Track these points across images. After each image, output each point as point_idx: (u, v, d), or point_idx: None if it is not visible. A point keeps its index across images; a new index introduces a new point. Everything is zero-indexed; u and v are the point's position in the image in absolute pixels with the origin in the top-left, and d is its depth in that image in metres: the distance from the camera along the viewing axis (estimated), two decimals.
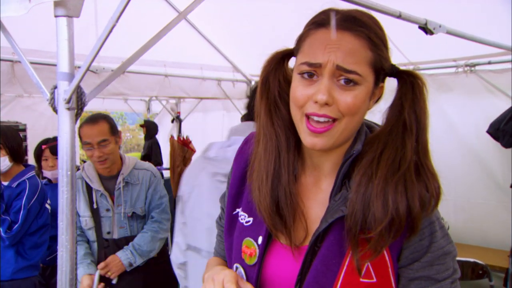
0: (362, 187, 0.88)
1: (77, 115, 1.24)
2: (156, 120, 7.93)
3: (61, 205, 1.22)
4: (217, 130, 6.29)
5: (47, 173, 3.25)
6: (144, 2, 3.36)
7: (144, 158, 7.54)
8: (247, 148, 1.09)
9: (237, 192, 1.09)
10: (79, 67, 1.18)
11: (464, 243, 3.74)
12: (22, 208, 2.69)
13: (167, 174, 5.37)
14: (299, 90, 0.90)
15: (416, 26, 2.06)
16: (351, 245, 0.89)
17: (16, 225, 2.65)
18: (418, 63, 3.86)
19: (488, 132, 3.46)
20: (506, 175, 3.59)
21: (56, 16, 1.18)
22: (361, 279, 0.90)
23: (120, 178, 2.57)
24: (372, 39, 0.87)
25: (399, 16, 1.88)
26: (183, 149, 4.54)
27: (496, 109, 3.47)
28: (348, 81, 0.86)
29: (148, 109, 7.73)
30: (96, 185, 2.55)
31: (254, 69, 5.04)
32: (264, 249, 0.99)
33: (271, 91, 0.99)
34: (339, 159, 0.97)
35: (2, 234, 2.64)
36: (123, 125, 22.91)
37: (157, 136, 7.67)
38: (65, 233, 1.22)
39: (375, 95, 0.95)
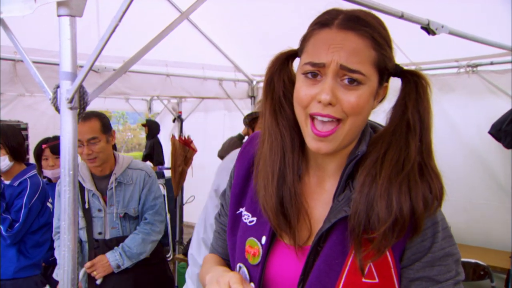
0: (366, 187, 0.88)
1: (80, 115, 1.24)
2: (157, 120, 7.94)
3: (63, 204, 1.22)
4: (219, 130, 6.29)
5: (47, 173, 3.24)
6: (146, 2, 3.36)
7: (146, 157, 7.55)
8: (251, 148, 1.09)
9: (240, 192, 1.09)
10: (81, 67, 1.19)
11: (466, 244, 3.73)
12: (23, 207, 2.69)
13: (168, 173, 5.37)
14: (302, 90, 0.90)
15: (419, 26, 2.06)
16: (354, 245, 0.89)
17: (17, 224, 2.66)
18: (420, 64, 3.85)
19: (490, 133, 3.45)
20: (508, 176, 3.59)
21: (59, 16, 1.19)
22: (363, 280, 0.90)
23: (112, 178, 2.52)
24: (376, 39, 0.87)
25: (402, 17, 1.88)
26: (185, 149, 4.54)
27: (498, 109, 3.46)
28: (352, 81, 0.86)
29: (150, 108, 7.73)
30: (88, 184, 2.50)
31: (255, 69, 5.04)
32: (268, 249, 0.99)
33: (276, 91, 0.99)
34: (343, 160, 0.97)
35: (3, 232, 2.65)
36: (124, 125, 22.91)
37: (158, 136, 7.68)
38: (67, 232, 1.22)
39: (379, 94, 0.94)
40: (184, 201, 5.14)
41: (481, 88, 3.74)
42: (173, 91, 4.50)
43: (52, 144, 3.22)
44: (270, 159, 0.97)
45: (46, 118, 6.01)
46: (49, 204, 2.89)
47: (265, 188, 0.97)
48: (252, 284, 1.00)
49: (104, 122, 2.50)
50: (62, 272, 1.23)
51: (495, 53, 3.32)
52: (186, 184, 4.98)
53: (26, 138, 3.02)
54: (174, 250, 5.17)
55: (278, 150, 0.97)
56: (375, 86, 0.90)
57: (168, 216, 5.28)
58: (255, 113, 2.69)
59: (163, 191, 5.44)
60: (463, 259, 3.01)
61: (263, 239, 1.00)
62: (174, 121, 6.80)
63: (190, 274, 2.04)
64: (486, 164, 3.75)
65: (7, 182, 2.80)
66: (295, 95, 0.92)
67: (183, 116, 6.62)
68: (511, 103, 3.43)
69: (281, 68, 0.99)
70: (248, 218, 1.04)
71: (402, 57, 3.58)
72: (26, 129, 5.09)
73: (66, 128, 1.22)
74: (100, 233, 2.51)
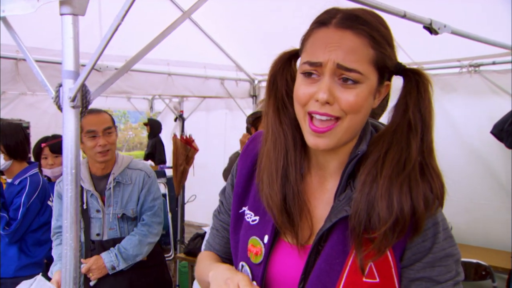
0: (366, 186, 0.88)
1: (82, 113, 1.24)
2: (159, 119, 7.95)
3: (65, 203, 1.23)
4: (220, 129, 6.30)
5: (46, 171, 3.22)
6: (148, 1, 3.36)
7: (148, 156, 7.56)
8: (253, 147, 1.10)
9: (243, 191, 1.09)
10: (83, 66, 1.19)
11: (467, 244, 3.73)
12: (22, 206, 2.68)
13: (170, 172, 5.38)
14: (301, 89, 0.90)
15: (421, 26, 2.06)
16: (354, 244, 0.89)
17: (15, 222, 2.65)
18: (422, 63, 3.85)
19: (492, 132, 3.45)
20: (510, 176, 3.58)
21: (61, 14, 1.19)
22: (364, 279, 0.90)
23: (110, 178, 2.47)
24: (374, 37, 0.87)
25: (404, 16, 1.88)
26: (186, 148, 4.54)
27: (500, 109, 3.46)
28: (350, 80, 0.86)
29: (151, 107, 7.75)
30: (87, 185, 2.45)
31: (257, 68, 5.05)
32: (270, 248, 1.00)
33: (278, 90, 1.00)
34: (344, 159, 0.97)
35: (1, 231, 2.64)
36: (125, 124, 22.95)
37: (160, 135, 7.69)
38: (69, 231, 1.22)
39: (381, 93, 0.94)
40: (185, 200, 5.14)
41: (483, 88, 3.73)
42: (175, 90, 4.51)
43: (52, 143, 3.21)
44: (274, 157, 0.98)
45: (47, 117, 6.03)
46: (49, 203, 2.88)
47: (269, 186, 0.97)
48: (254, 282, 1.00)
49: (112, 117, 2.51)
50: (64, 271, 1.24)
51: (497, 53, 3.31)
52: (188, 183, 4.98)
53: (28, 136, 3.02)
54: (175, 249, 5.18)
55: (281, 148, 0.98)
56: (374, 85, 0.89)
57: (170, 215, 5.28)
58: (259, 112, 2.68)
59: (165, 190, 5.45)
60: (464, 259, 3.02)
61: (266, 238, 1.00)
62: (175, 120, 6.81)
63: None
64: (487, 164, 3.75)
65: (9, 180, 2.81)
66: (294, 94, 0.93)
67: (184, 115, 6.63)
68: None
69: (284, 68, 1.00)
70: (250, 217, 1.05)
71: (404, 56, 3.57)
72: (28, 128, 5.10)
73: (68, 126, 1.22)
74: (98, 234, 2.46)
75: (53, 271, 2.36)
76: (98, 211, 2.45)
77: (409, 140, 0.89)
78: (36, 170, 2.89)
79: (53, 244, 2.53)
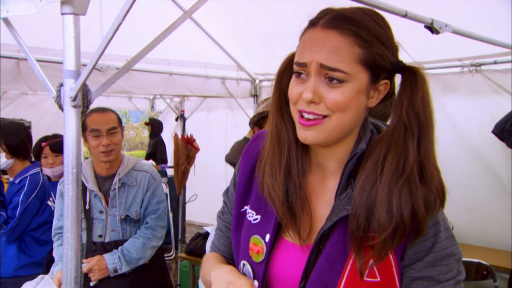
0: (365, 191, 0.88)
1: (83, 113, 1.24)
2: (160, 118, 7.95)
3: (66, 202, 1.23)
4: (221, 129, 6.30)
5: (46, 171, 3.22)
6: (149, 1, 3.36)
7: (149, 156, 7.57)
8: (255, 146, 1.11)
9: (245, 190, 1.10)
10: (84, 65, 1.19)
11: (468, 244, 3.72)
12: (20, 204, 2.68)
13: (171, 172, 5.38)
14: (292, 88, 0.93)
15: (422, 25, 2.06)
16: (354, 249, 0.90)
17: (12, 221, 2.65)
18: (423, 63, 3.84)
19: (494, 132, 3.44)
20: (511, 176, 3.57)
21: (62, 14, 1.19)
22: (365, 278, 0.90)
23: (116, 179, 2.43)
24: (360, 36, 0.87)
25: (405, 15, 1.88)
26: (187, 148, 4.54)
27: (501, 109, 3.45)
28: (334, 79, 0.87)
29: (152, 107, 7.75)
30: (91, 185, 2.42)
31: (258, 68, 5.04)
32: (271, 246, 1.00)
33: (282, 88, 1.02)
34: (344, 157, 0.97)
35: None
36: (127, 123, 22.95)
37: (161, 134, 7.69)
38: (70, 230, 1.22)
39: (380, 92, 0.94)
40: (186, 200, 5.15)
41: (485, 87, 3.72)
42: (176, 89, 4.51)
43: (52, 142, 3.21)
44: (278, 149, 1.00)
45: (49, 117, 6.04)
46: (49, 203, 2.88)
47: (272, 177, 0.99)
48: (255, 281, 1.01)
49: (118, 116, 2.48)
50: (65, 271, 1.24)
51: (498, 52, 3.31)
52: (189, 183, 4.98)
53: (30, 136, 3.03)
54: (176, 249, 5.18)
55: (285, 142, 1.00)
56: (363, 84, 0.89)
57: (171, 214, 5.28)
58: (266, 112, 2.67)
59: (166, 189, 5.46)
60: (465, 259, 3.02)
61: (267, 236, 1.00)
62: (176, 119, 6.81)
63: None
64: (488, 163, 3.75)
65: (11, 179, 2.82)
66: (288, 92, 0.95)
67: (185, 115, 6.63)
68: None
69: (288, 66, 1.02)
70: (252, 216, 1.05)
71: (405, 56, 3.56)
72: (29, 127, 5.11)
73: (69, 126, 1.22)
74: (100, 236, 2.43)
75: (54, 271, 2.32)
76: (101, 212, 2.42)
77: (406, 142, 0.88)
78: (37, 169, 2.89)
79: (54, 245, 2.50)
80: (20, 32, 1.41)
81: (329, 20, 0.89)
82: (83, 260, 2.31)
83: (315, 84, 0.88)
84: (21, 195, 2.71)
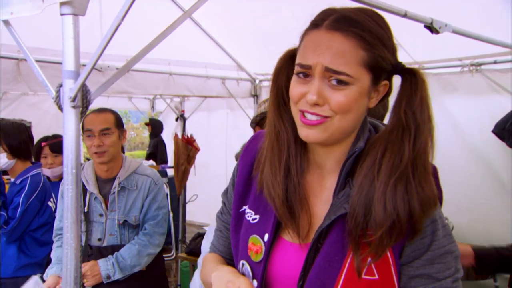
0: (363, 189, 0.89)
1: (82, 113, 1.24)
2: (160, 119, 7.96)
3: (66, 203, 1.23)
4: (221, 129, 6.30)
5: (46, 171, 3.21)
6: (149, 1, 3.36)
7: (150, 156, 7.58)
8: (254, 146, 1.11)
9: (243, 190, 1.10)
10: (84, 65, 1.19)
11: (469, 243, 3.72)
12: (20, 205, 2.68)
13: (171, 172, 5.39)
14: (295, 88, 0.93)
15: (422, 25, 2.06)
16: (352, 247, 0.90)
17: (13, 221, 2.65)
18: (424, 63, 3.84)
19: (494, 132, 3.44)
20: (511, 176, 3.57)
21: (61, 15, 1.19)
22: (363, 276, 0.91)
23: (115, 182, 2.38)
24: (364, 39, 0.87)
25: (405, 15, 1.88)
26: (187, 148, 4.55)
27: (501, 108, 3.45)
28: (339, 82, 0.87)
29: (153, 107, 7.75)
30: (91, 187, 2.38)
31: (258, 68, 5.04)
32: (270, 246, 1.01)
33: (280, 86, 1.02)
34: (342, 157, 0.98)
35: None
36: (127, 123, 22.98)
37: (161, 135, 7.69)
38: (70, 231, 1.22)
39: (379, 92, 0.95)
40: (187, 200, 5.15)
41: (485, 87, 3.72)
42: (176, 90, 4.51)
43: (51, 143, 3.21)
44: (277, 149, 1.00)
45: (49, 117, 6.03)
46: (50, 204, 2.88)
47: (272, 176, 0.99)
48: (254, 281, 1.01)
49: (117, 117, 2.43)
50: (65, 271, 1.24)
51: (499, 52, 3.31)
52: (189, 183, 4.99)
53: (31, 136, 3.03)
54: (176, 249, 5.18)
55: (284, 141, 1.00)
56: (365, 86, 0.90)
57: (171, 214, 5.29)
58: (267, 112, 2.67)
59: (166, 190, 5.46)
60: None
61: (266, 236, 1.01)
62: (177, 120, 6.81)
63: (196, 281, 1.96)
64: (489, 163, 3.74)
65: (12, 180, 2.82)
66: (289, 92, 0.95)
67: (186, 115, 6.63)
68: None
69: (286, 65, 1.02)
70: (251, 215, 1.06)
71: (405, 56, 3.57)
72: (29, 127, 5.10)
73: (69, 126, 1.22)
74: (99, 239, 2.39)
75: (49, 274, 2.28)
76: (101, 215, 2.38)
77: (402, 141, 0.89)
78: (38, 170, 2.89)
79: (54, 246, 2.48)
80: (20, 33, 1.41)
81: (333, 22, 0.89)
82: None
83: (319, 87, 0.88)
84: (22, 196, 2.71)
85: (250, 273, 1.03)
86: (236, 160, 3.41)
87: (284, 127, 1.00)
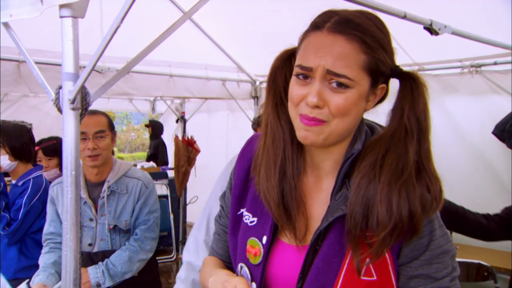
0: (361, 189, 0.89)
1: (82, 115, 1.24)
2: (161, 120, 7.96)
3: (65, 205, 1.23)
4: (222, 130, 6.30)
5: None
6: (149, 2, 3.37)
7: (150, 157, 7.58)
8: (250, 149, 1.11)
9: (241, 193, 1.10)
10: (84, 67, 1.19)
11: (469, 245, 3.71)
12: (23, 206, 2.68)
13: (171, 174, 5.39)
14: (294, 89, 0.93)
15: (421, 26, 2.06)
16: (351, 247, 0.91)
17: (15, 223, 2.65)
18: (423, 64, 3.84)
19: (494, 133, 3.44)
20: (511, 177, 3.57)
21: (61, 17, 1.19)
22: (361, 277, 0.91)
23: (105, 186, 2.31)
24: (366, 42, 0.88)
25: (404, 17, 1.87)
26: (188, 149, 4.56)
27: (502, 110, 3.44)
28: (340, 84, 0.88)
29: (153, 109, 7.76)
30: (81, 191, 2.32)
31: (258, 70, 5.05)
32: (268, 248, 1.01)
33: (277, 87, 1.02)
34: (339, 158, 0.99)
35: (1, 231, 2.65)
36: (128, 125, 22.99)
37: (162, 136, 7.69)
38: (69, 232, 1.22)
39: (376, 95, 0.96)
40: (187, 202, 5.15)
41: (485, 88, 3.72)
42: (176, 91, 4.52)
43: (44, 146, 3.21)
44: (273, 151, 1.00)
45: (50, 119, 6.04)
46: None
47: (267, 179, 0.99)
48: (253, 284, 1.01)
49: (110, 120, 2.39)
50: (64, 272, 1.24)
51: (499, 53, 3.31)
52: (189, 185, 4.99)
53: (33, 138, 3.03)
54: (177, 251, 5.19)
55: (279, 143, 1.00)
56: (365, 90, 0.91)
57: (172, 216, 5.29)
58: None
59: (167, 191, 5.47)
60: (466, 260, 3.01)
61: (264, 238, 1.01)
62: (177, 121, 6.82)
63: (183, 278, 1.91)
64: (489, 164, 3.74)
65: (13, 181, 2.82)
66: (289, 94, 0.95)
67: (186, 117, 6.63)
68: None
69: (284, 65, 1.02)
70: (249, 218, 1.06)
71: (405, 57, 3.57)
72: (30, 129, 5.10)
73: (68, 128, 1.22)
74: (90, 244, 2.32)
75: (35, 281, 2.20)
76: (91, 219, 2.32)
77: (406, 145, 0.90)
78: (40, 172, 2.90)
79: (42, 251, 2.41)
80: (20, 35, 1.41)
81: (335, 24, 0.89)
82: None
83: (320, 89, 0.88)
84: (25, 197, 2.71)
85: (249, 276, 1.03)
86: None
87: (281, 128, 1.00)
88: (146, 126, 7.92)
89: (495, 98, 3.67)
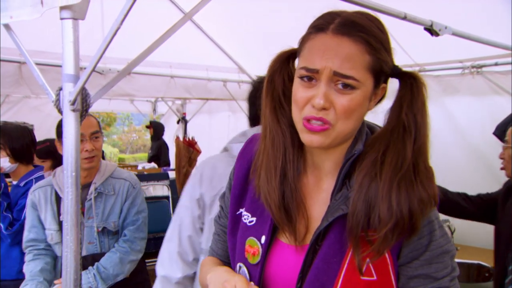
0: (364, 187, 0.89)
1: (82, 117, 1.24)
2: (162, 121, 7.97)
3: (66, 206, 1.23)
4: (223, 131, 6.30)
5: None
6: (149, 3, 3.37)
7: (152, 158, 7.58)
8: (250, 149, 1.11)
9: (240, 193, 1.10)
10: (85, 68, 1.20)
11: (470, 245, 3.71)
12: (25, 207, 2.70)
13: (172, 174, 5.39)
14: (299, 92, 0.92)
15: (422, 27, 2.06)
16: (352, 245, 0.90)
17: (18, 223, 2.66)
18: (424, 65, 3.84)
19: (495, 134, 3.44)
20: None
21: (61, 19, 1.19)
22: (361, 277, 0.91)
23: (91, 188, 2.27)
24: (370, 43, 0.88)
25: (405, 18, 1.88)
26: (189, 150, 4.56)
27: (502, 110, 3.44)
28: (346, 86, 0.88)
29: (154, 110, 7.77)
30: None
31: (259, 70, 5.03)
32: (267, 248, 1.01)
33: (276, 89, 1.01)
34: (339, 159, 0.99)
35: (3, 231, 2.65)
36: (129, 126, 23.03)
37: (163, 137, 7.70)
38: (70, 234, 1.22)
39: (377, 95, 0.96)
40: None
41: (486, 89, 3.72)
42: (178, 92, 4.52)
43: (39, 148, 3.20)
44: (273, 154, 1.00)
45: (51, 120, 6.03)
46: None
47: (268, 182, 0.99)
48: (252, 283, 1.01)
49: (99, 122, 2.38)
50: (65, 273, 1.24)
51: (500, 53, 3.31)
52: None
53: (34, 139, 3.03)
54: None
55: (280, 146, 1.00)
56: (369, 90, 0.91)
57: (173, 217, 5.27)
58: None
59: (168, 192, 5.46)
60: (467, 261, 3.01)
61: (263, 238, 1.01)
62: (178, 122, 6.83)
63: None
64: (489, 164, 3.73)
65: (14, 182, 2.83)
66: (292, 96, 0.94)
67: (187, 117, 6.64)
68: None
69: (282, 67, 1.02)
70: (248, 218, 1.06)
71: (406, 58, 3.57)
72: (32, 130, 5.11)
73: (68, 130, 1.23)
74: None
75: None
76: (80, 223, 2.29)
77: (404, 141, 0.91)
78: (41, 173, 2.90)
79: (26, 259, 2.32)
80: (21, 36, 1.42)
81: (340, 26, 0.89)
82: (55, 282, 2.14)
83: (326, 91, 0.88)
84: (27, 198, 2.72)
85: (247, 276, 1.03)
86: None
87: (281, 131, 1.00)
88: (147, 127, 7.93)
89: (496, 98, 3.67)
